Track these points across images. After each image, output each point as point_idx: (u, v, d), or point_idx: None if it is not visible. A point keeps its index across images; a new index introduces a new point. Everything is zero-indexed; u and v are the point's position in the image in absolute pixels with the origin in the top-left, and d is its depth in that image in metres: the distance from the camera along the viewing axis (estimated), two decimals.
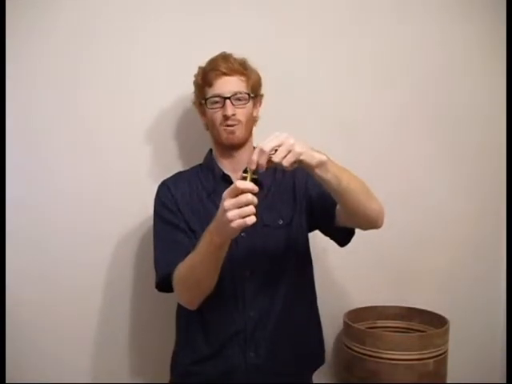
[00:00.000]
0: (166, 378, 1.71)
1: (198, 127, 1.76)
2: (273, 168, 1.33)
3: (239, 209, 1.26)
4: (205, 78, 1.63)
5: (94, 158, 1.85)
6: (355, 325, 1.91)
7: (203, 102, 1.64)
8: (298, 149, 1.29)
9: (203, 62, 1.66)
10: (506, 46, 2.13)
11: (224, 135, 1.61)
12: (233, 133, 1.61)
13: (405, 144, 2.13)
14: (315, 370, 1.70)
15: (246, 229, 1.30)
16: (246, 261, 1.57)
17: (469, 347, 2.16)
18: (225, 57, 1.64)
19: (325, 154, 1.34)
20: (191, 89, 1.69)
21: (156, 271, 1.58)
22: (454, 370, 1.95)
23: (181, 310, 1.64)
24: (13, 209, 1.76)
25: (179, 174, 1.74)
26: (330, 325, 2.05)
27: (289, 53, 1.97)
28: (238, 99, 1.61)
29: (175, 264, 1.49)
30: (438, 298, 2.10)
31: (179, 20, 1.89)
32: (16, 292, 1.78)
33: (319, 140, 1.98)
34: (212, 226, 1.36)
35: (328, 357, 2.10)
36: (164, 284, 1.55)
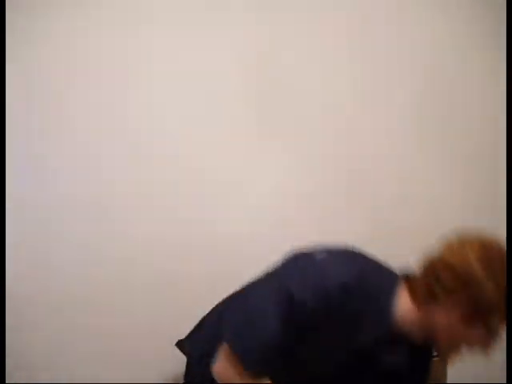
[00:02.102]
0: (167, 378, 1.71)
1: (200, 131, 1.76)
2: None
3: None
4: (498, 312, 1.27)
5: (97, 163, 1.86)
6: None
7: (479, 323, 1.28)
8: None
9: None
10: (506, 45, 2.13)
11: (454, 353, 1.36)
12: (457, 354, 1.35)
13: (404, 144, 2.13)
14: None
15: None
16: None
17: None
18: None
19: None
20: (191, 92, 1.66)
21: (242, 353, 1.32)
22: (454, 370, 1.95)
23: None
24: (14, 210, 1.77)
25: (357, 275, 1.35)
26: None
27: (288, 57, 1.97)
28: None
29: (264, 368, 1.32)
30: None
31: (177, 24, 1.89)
32: (16, 291, 1.78)
33: (319, 142, 2.03)
34: None
35: None
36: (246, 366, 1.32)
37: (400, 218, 2.13)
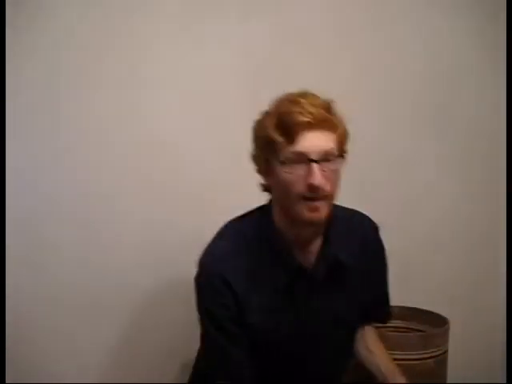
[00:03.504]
0: (168, 378, 1.71)
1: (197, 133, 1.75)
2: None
3: None
4: (282, 128, 1.21)
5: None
6: None
7: (275, 159, 1.23)
8: None
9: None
10: (506, 45, 2.13)
11: (305, 214, 1.22)
12: (317, 211, 1.22)
13: (405, 146, 2.13)
14: None
15: None
16: None
17: (469, 347, 2.17)
18: (306, 97, 1.23)
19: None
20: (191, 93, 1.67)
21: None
22: (454, 370, 1.95)
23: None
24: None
25: (224, 251, 1.33)
26: None
27: (288, 57, 1.97)
28: (328, 160, 1.22)
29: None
30: (438, 298, 2.10)
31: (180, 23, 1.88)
32: (16, 291, 1.78)
33: None
34: None
35: None
36: None
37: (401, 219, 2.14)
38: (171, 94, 1.88)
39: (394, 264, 2.11)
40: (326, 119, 1.21)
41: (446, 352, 1.88)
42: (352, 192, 2.04)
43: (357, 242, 1.38)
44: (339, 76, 2.02)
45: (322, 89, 1.92)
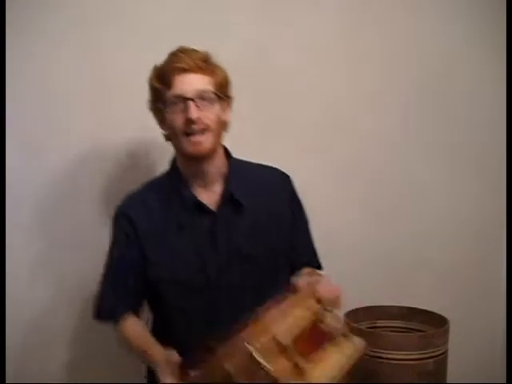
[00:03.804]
0: None
1: None
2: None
3: None
4: (162, 77, 1.40)
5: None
6: (355, 325, 1.90)
7: (161, 105, 1.40)
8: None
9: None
10: (505, 44, 2.13)
11: (189, 147, 1.39)
12: (199, 143, 1.38)
13: (405, 144, 2.13)
14: None
15: None
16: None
17: (469, 347, 2.16)
18: (184, 51, 1.41)
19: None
20: None
21: (98, 305, 1.52)
22: (453, 370, 1.95)
23: None
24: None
25: (135, 196, 1.53)
26: None
27: (287, 51, 1.96)
28: (204, 99, 1.39)
29: (120, 313, 1.47)
30: (437, 298, 2.10)
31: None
32: (16, 291, 1.78)
33: (318, 141, 2.03)
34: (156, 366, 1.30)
35: None
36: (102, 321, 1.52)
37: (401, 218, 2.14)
38: None
39: (394, 264, 2.13)
40: (201, 65, 1.38)
41: (445, 352, 1.87)
42: (352, 193, 2.07)
43: (258, 186, 1.50)
44: (335, 75, 2.03)
45: (320, 88, 1.95)
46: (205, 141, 1.39)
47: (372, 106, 2.07)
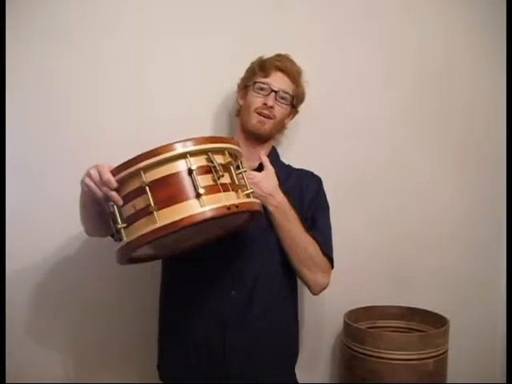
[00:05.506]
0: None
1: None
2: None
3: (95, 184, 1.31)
4: (263, 65, 1.71)
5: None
6: (355, 325, 1.91)
7: (251, 84, 1.70)
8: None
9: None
10: (506, 44, 2.13)
11: (254, 121, 1.68)
12: (263, 123, 1.68)
13: (406, 145, 2.13)
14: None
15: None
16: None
17: (469, 347, 2.16)
18: (289, 58, 1.74)
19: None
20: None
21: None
22: (453, 370, 1.95)
23: None
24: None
25: None
26: (330, 324, 2.05)
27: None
28: (282, 98, 1.69)
29: None
30: (437, 298, 2.10)
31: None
32: (15, 292, 1.78)
33: (316, 140, 2.03)
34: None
35: (328, 357, 2.11)
36: None
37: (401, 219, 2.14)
38: (172, 95, 1.89)
39: (394, 264, 2.13)
40: (294, 74, 1.72)
41: (445, 352, 1.88)
42: (352, 192, 2.07)
43: (290, 174, 1.75)
44: (333, 73, 2.02)
45: (317, 86, 1.95)
46: (268, 124, 1.68)
47: (372, 105, 2.07)
